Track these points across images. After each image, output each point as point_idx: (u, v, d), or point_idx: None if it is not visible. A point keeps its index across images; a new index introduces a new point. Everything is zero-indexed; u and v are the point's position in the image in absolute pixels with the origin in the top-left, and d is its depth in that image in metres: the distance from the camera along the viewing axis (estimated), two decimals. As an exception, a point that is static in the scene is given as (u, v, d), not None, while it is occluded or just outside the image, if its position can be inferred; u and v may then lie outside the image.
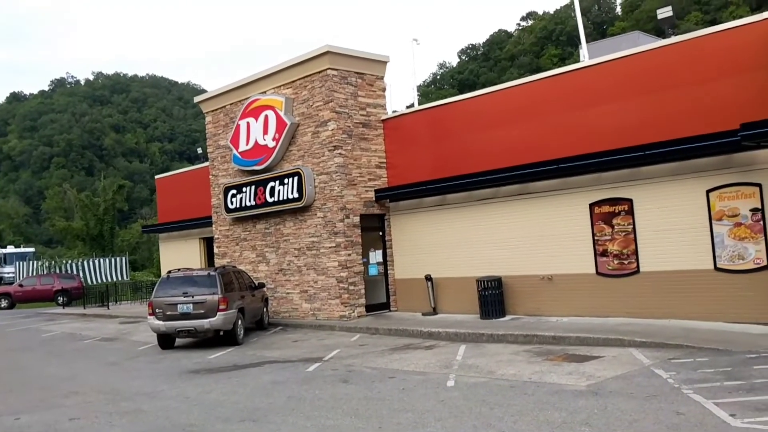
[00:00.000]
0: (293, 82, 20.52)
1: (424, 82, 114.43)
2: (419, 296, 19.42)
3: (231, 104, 22.79)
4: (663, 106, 14.71)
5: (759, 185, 13.33)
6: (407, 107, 27.46)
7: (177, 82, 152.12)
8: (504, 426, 7.92)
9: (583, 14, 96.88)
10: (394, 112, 22.20)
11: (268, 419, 9.15)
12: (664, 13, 14.96)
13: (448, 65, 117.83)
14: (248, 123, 21.49)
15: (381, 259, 20.35)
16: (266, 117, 20.92)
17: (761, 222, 13.32)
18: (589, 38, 70.27)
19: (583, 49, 20.89)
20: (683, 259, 14.37)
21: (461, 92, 17.72)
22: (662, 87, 14.74)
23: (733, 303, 13.62)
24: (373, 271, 20.20)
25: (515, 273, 17.29)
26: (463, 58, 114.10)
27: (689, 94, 14.30)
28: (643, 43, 16.27)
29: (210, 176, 24.05)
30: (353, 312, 19.27)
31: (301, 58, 20.12)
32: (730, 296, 13.68)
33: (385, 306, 20.37)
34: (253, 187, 21.49)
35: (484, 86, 17.52)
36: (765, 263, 13.26)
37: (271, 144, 20.77)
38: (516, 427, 7.85)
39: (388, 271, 20.43)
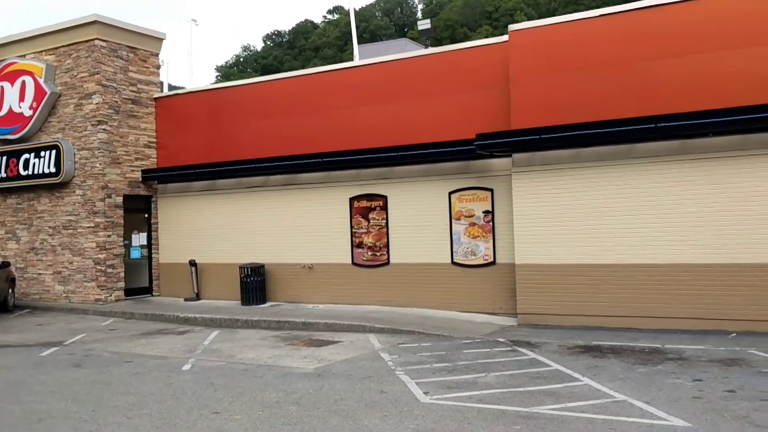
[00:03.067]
0: (57, 48, 19.14)
1: (226, 63, 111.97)
2: (183, 281, 19.13)
3: (-16, 65, 20.69)
4: (421, 111, 15.81)
5: (491, 190, 14.92)
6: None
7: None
8: (218, 406, 8.17)
9: (385, 15, 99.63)
10: (172, 90, 21.56)
11: (-27, 406, 8.59)
12: (424, 24, 16.16)
13: (252, 49, 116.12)
14: (2, 87, 19.67)
15: (145, 242, 19.73)
16: (23, 83, 19.31)
17: (491, 223, 14.92)
18: (390, 38, 72.86)
19: (355, 50, 21.87)
20: (427, 254, 15.65)
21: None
22: (421, 93, 15.85)
23: (465, 294, 15.11)
24: (135, 254, 19.51)
25: (279, 261, 17.68)
26: (268, 43, 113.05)
27: (444, 102, 15.52)
28: (409, 50, 17.41)
29: (-44, 142, 21.66)
30: (110, 296, 18.49)
31: (67, 24, 18.86)
32: (463, 288, 15.17)
33: (148, 290, 19.79)
34: (4, 158, 19.74)
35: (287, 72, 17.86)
36: (492, 259, 14.88)
37: (28, 113, 19.22)
38: (230, 407, 8.13)
39: (153, 255, 19.87)
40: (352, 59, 25.04)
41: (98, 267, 18.44)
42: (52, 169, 18.74)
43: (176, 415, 7.82)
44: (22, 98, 19.33)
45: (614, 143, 12.86)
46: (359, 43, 25.70)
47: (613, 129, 12.52)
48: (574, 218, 13.17)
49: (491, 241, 14.91)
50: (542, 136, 13.09)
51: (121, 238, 18.96)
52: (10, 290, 18.45)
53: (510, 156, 14.04)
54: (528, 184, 13.65)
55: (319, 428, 7.11)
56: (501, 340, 12.04)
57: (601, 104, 13.06)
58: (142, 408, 8.22)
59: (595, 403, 7.71)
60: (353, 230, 16.72)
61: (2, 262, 18.38)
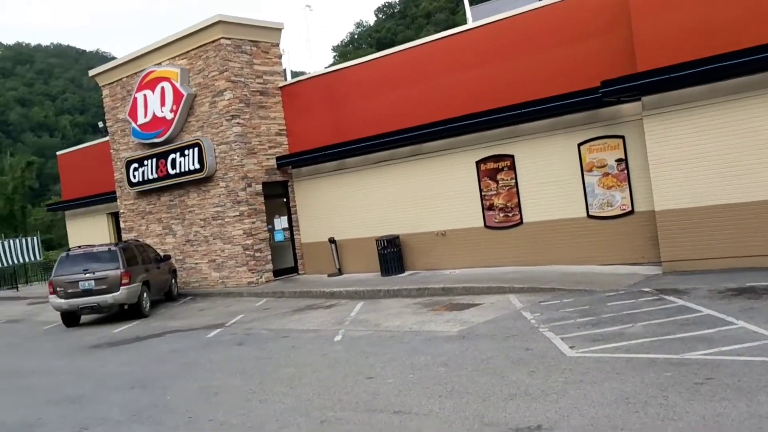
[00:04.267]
0: (188, 52, 20.45)
1: (341, 42, 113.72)
2: (325, 259, 20.03)
3: (127, 77, 22.50)
4: (539, 65, 15.50)
5: (623, 137, 14.41)
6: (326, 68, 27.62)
7: (85, 51, 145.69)
8: (372, 372, 8.64)
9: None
10: (294, 77, 22.43)
11: (158, 384, 9.61)
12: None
13: (365, 24, 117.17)
14: (145, 95, 21.33)
15: (286, 225, 20.82)
16: (162, 89, 20.82)
17: (625, 171, 14.44)
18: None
19: (468, 12, 21.58)
20: (560, 209, 15.43)
21: (380, 51, 18.20)
22: (538, 47, 15.52)
23: (604, 247, 14.78)
24: (279, 236, 20.66)
25: (412, 231, 18.07)
26: (380, 16, 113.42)
27: (563, 53, 15.10)
28: (522, 6, 17.01)
29: (111, 150, 23.80)
30: (261, 278, 19.73)
31: (193, 29, 20.06)
32: (601, 241, 14.84)
33: (293, 270, 20.92)
34: (154, 160, 21.46)
35: (401, 44, 18.15)
36: (630, 209, 14.43)
37: (169, 116, 20.74)
38: (383, 372, 8.58)
39: (295, 236, 20.93)
40: (464, 22, 24.82)
41: (247, 252, 19.71)
42: (197, 166, 20.16)
43: (334, 382, 8.37)
44: (162, 103, 20.87)
45: (752, 72, 11.97)
46: (471, 3, 25.34)
47: (749, 58, 11.66)
48: (714, 157, 12.46)
49: (627, 189, 14.43)
50: (672, 75, 12.43)
51: (265, 223, 20.14)
52: (173, 281, 20.17)
53: (639, 99, 13.47)
54: (661, 126, 13.04)
55: (470, 387, 7.37)
56: (646, 289, 11.73)
57: (733, 31, 12.15)
58: (302, 378, 8.86)
59: (753, 345, 7.41)
60: (482, 193, 16.75)
61: (164, 255, 20.09)
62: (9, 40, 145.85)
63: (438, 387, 7.52)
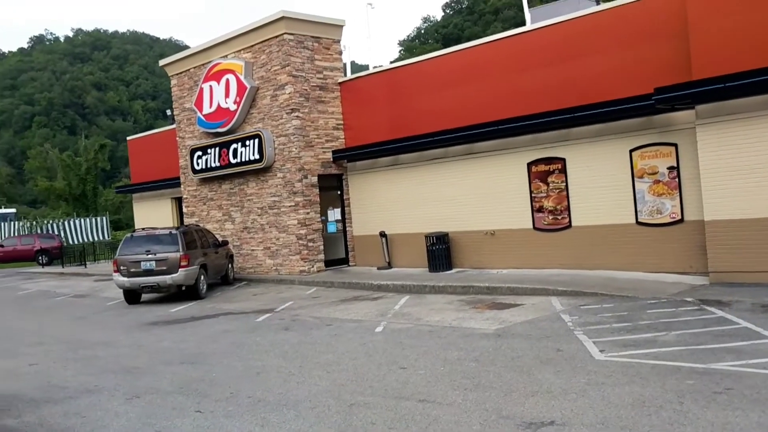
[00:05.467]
0: (252, 46, 21.18)
1: (408, 36, 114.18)
2: (375, 252, 20.49)
3: (195, 68, 23.44)
4: (594, 70, 15.52)
5: (675, 145, 14.33)
6: (391, 62, 28.22)
7: (159, 39, 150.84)
8: (405, 362, 9.03)
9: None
10: (355, 72, 22.91)
11: (206, 362, 10.23)
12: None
13: (432, 19, 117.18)
14: (211, 86, 22.19)
15: (339, 217, 21.38)
16: (227, 81, 21.63)
17: (677, 179, 14.36)
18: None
19: (527, 14, 21.59)
20: (610, 214, 15.44)
21: (445, 46, 18.53)
22: (592, 51, 15.52)
23: (651, 254, 14.74)
24: (331, 228, 21.23)
25: (462, 229, 18.34)
26: (447, 11, 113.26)
27: (617, 58, 15.09)
28: (584, 8, 17.01)
29: (177, 138, 24.83)
30: (312, 267, 20.34)
31: (258, 23, 20.77)
32: (649, 248, 14.80)
33: (344, 261, 21.46)
34: (217, 149, 22.32)
35: (468, 40, 18.54)
36: (679, 217, 14.35)
37: (233, 107, 21.53)
38: (416, 363, 8.95)
39: (347, 228, 21.47)
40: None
41: (300, 242, 20.35)
42: (256, 156, 20.91)
43: (368, 370, 8.79)
44: (227, 94, 21.69)
45: (813, 84, 11.80)
46: (530, 6, 25.34)
47: (810, 69, 11.50)
48: None
49: (678, 198, 14.35)
50: (727, 84, 12.33)
51: (319, 215, 20.74)
52: (229, 265, 21.01)
53: (693, 108, 13.38)
54: (715, 135, 12.95)
55: (495, 382, 7.67)
56: (688, 299, 11.72)
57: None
58: (339, 364, 9.31)
59: (781, 360, 7.47)
60: (533, 195, 16.88)
61: (222, 240, 20.94)
62: (89, 27, 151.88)
63: (465, 380, 7.84)
